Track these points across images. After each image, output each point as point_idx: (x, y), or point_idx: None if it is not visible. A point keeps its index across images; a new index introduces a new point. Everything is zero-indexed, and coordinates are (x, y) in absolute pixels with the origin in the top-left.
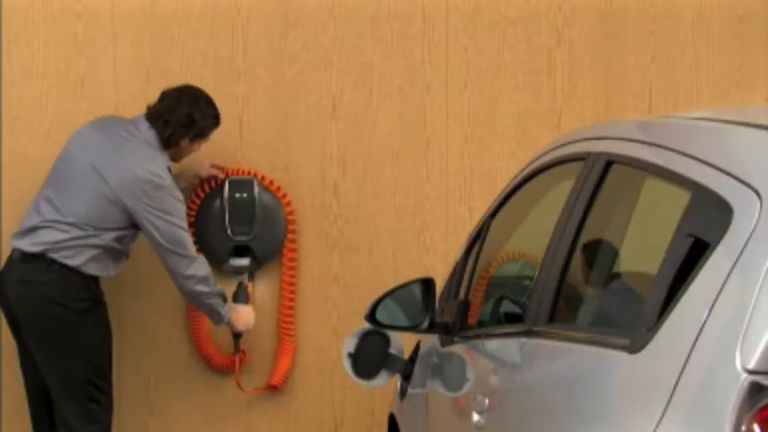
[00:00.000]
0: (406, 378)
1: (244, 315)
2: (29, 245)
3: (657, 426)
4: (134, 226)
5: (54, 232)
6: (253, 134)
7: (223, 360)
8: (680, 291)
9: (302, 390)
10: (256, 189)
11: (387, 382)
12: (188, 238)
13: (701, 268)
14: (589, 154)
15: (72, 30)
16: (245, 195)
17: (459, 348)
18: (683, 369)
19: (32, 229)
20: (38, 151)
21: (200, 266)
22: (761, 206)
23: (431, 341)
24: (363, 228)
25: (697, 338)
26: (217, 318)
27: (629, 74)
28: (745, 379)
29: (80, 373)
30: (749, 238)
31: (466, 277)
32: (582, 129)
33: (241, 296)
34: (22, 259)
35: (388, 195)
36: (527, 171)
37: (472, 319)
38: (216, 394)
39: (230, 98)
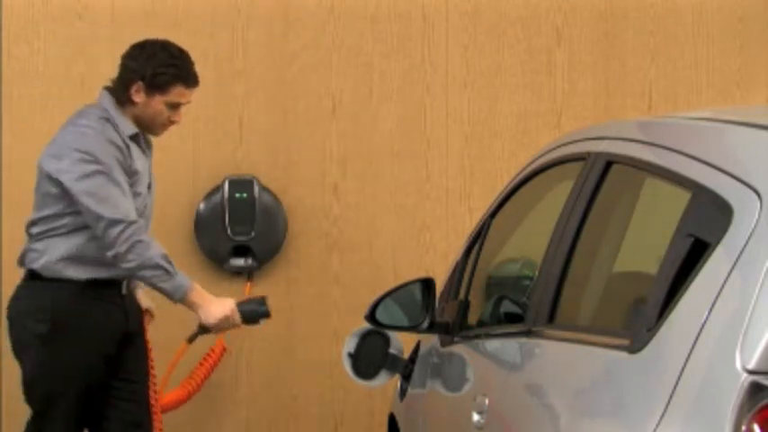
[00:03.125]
0: (406, 378)
1: (213, 305)
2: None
3: (657, 426)
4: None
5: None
6: (253, 134)
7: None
8: (680, 291)
9: (302, 390)
10: (256, 189)
11: (387, 382)
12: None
13: (701, 268)
14: (589, 154)
15: (72, 30)
16: (245, 195)
17: (459, 348)
18: (683, 369)
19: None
20: (38, 151)
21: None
22: (761, 206)
23: (431, 341)
24: (363, 228)
25: (697, 338)
26: (168, 296)
27: (629, 74)
28: (745, 379)
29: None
30: (749, 238)
31: (466, 277)
32: (582, 129)
33: (256, 309)
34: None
35: (388, 195)
36: (527, 171)
37: (472, 319)
38: (216, 394)
39: (230, 98)
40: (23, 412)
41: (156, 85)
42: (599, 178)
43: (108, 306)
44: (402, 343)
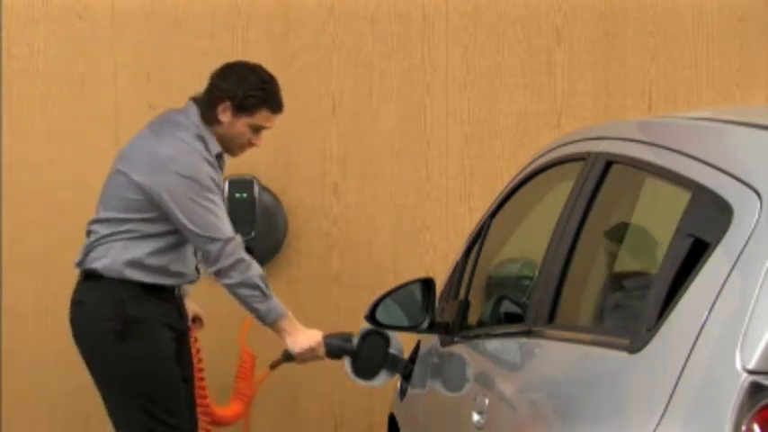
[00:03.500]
0: (406, 378)
1: (301, 335)
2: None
3: (657, 426)
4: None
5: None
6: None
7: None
8: (680, 291)
9: (302, 390)
10: (256, 189)
11: (387, 382)
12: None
13: (701, 268)
14: (589, 154)
15: (72, 30)
16: (245, 195)
17: (459, 348)
18: (683, 369)
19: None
20: (38, 151)
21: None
22: (761, 206)
23: (431, 341)
24: (363, 228)
25: (697, 338)
26: (259, 318)
27: (629, 74)
28: (745, 379)
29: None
30: (749, 238)
31: (466, 277)
32: (582, 129)
33: (342, 346)
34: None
35: (388, 195)
36: (527, 171)
37: (472, 319)
38: (216, 394)
39: None
40: (24, 412)
41: (243, 107)
42: (599, 178)
43: (167, 305)
44: (402, 343)
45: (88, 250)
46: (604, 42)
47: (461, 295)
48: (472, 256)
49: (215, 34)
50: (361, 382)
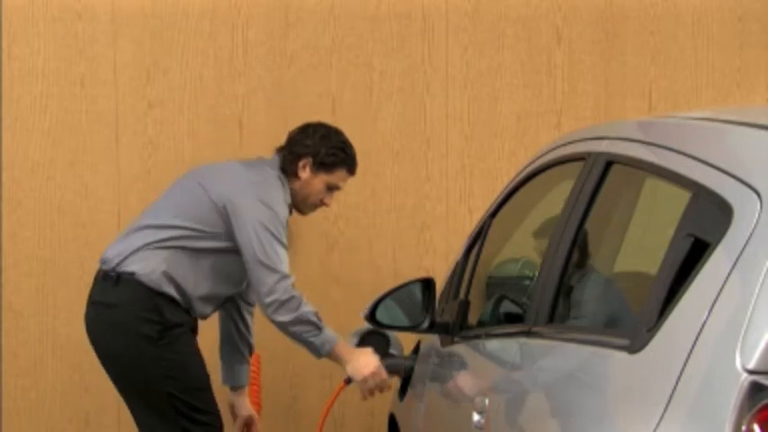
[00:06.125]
0: (406, 378)
1: (360, 361)
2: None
3: (657, 426)
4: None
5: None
6: (253, 134)
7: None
8: (680, 291)
9: (302, 390)
10: None
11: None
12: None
13: (700, 268)
14: (589, 154)
15: (72, 30)
16: None
17: (459, 348)
18: (682, 369)
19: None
20: (38, 151)
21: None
22: (761, 206)
23: (431, 341)
24: (363, 228)
25: (697, 338)
26: (313, 351)
27: (629, 74)
28: (745, 379)
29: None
30: (749, 238)
31: (466, 277)
32: (582, 129)
33: (401, 363)
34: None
35: (388, 195)
36: (527, 171)
37: (472, 319)
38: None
39: (230, 98)
40: (24, 412)
41: (324, 164)
42: (599, 178)
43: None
44: (402, 343)
45: (125, 253)
46: (604, 42)
47: (461, 295)
48: (472, 256)
49: (215, 34)
50: None
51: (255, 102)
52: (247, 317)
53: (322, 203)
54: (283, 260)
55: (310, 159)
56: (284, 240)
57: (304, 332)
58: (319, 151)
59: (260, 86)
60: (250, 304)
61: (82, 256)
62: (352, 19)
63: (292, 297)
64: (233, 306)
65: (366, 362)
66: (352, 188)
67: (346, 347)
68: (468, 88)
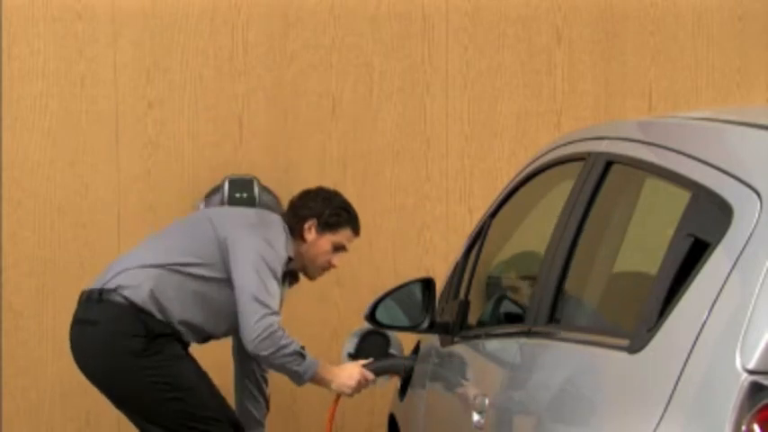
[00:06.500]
0: (406, 378)
1: (341, 377)
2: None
3: (657, 426)
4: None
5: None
6: (253, 134)
7: None
8: (680, 291)
9: (302, 390)
10: (256, 189)
11: (387, 382)
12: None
13: (700, 268)
14: (589, 154)
15: (72, 30)
16: (245, 195)
17: (459, 348)
18: (683, 369)
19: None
20: (38, 151)
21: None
22: (761, 206)
23: (431, 341)
24: (363, 228)
25: (697, 338)
26: (296, 378)
27: (629, 74)
28: (745, 379)
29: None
30: (749, 238)
31: (466, 277)
32: (582, 129)
33: (390, 364)
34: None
35: (388, 195)
36: (527, 171)
37: (472, 319)
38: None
39: (230, 98)
40: (24, 412)
41: (329, 225)
42: (599, 178)
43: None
44: (402, 343)
45: (113, 273)
46: (604, 42)
47: (461, 295)
48: (472, 256)
49: (215, 34)
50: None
51: (255, 102)
52: (261, 381)
53: (330, 265)
54: (276, 297)
55: (315, 221)
56: (276, 281)
57: (287, 362)
58: (323, 212)
59: (260, 86)
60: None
61: (82, 256)
62: (352, 19)
63: (276, 331)
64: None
65: (349, 374)
66: (352, 188)
67: (327, 369)
68: (469, 88)
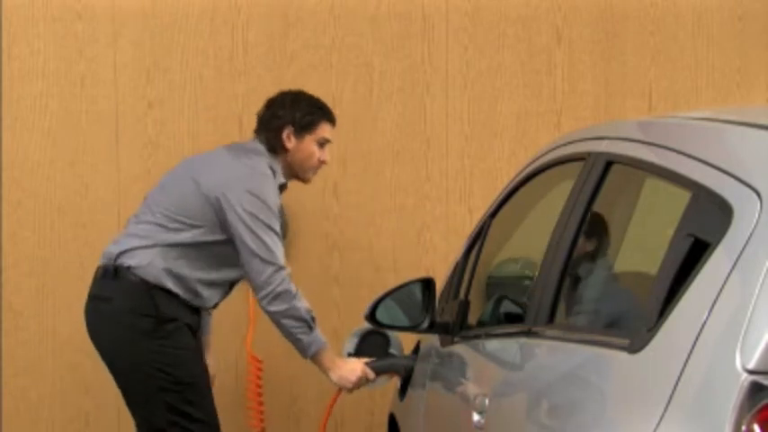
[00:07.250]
0: (406, 378)
1: (343, 370)
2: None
3: (657, 426)
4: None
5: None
6: (253, 134)
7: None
8: (680, 291)
9: (302, 390)
10: None
11: (387, 382)
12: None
13: (700, 268)
14: (589, 154)
15: (72, 30)
16: None
17: (459, 348)
18: (683, 369)
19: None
20: (38, 151)
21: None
22: (761, 206)
23: (431, 341)
24: (363, 228)
25: (697, 338)
26: (300, 349)
27: (629, 74)
28: (745, 379)
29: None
30: (749, 238)
31: (466, 277)
32: (582, 129)
33: (391, 363)
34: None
35: (388, 195)
36: (527, 171)
37: (472, 319)
38: (216, 395)
39: (230, 98)
40: (24, 412)
41: (304, 126)
42: (599, 178)
43: (191, 309)
44: (402, 343)
45: (124, 248)
46: (604, 42)
47: (461, 295)
48: (472, 256)
49: (215, 34)
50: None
51: (255, 102)
52: None
53: (321, 162)
54: (277, 250)
55: (291, 128)
56: (277, 229)
57: (294, 327)
58: (295, 116)
59: (260, 86)
60: None
61: (82, 256)
62: (352, 19)
63: (287, 289)
64: None
65: (352, 368)
66: (352, 188)
67: (331, 356)
68: (468, 88)
